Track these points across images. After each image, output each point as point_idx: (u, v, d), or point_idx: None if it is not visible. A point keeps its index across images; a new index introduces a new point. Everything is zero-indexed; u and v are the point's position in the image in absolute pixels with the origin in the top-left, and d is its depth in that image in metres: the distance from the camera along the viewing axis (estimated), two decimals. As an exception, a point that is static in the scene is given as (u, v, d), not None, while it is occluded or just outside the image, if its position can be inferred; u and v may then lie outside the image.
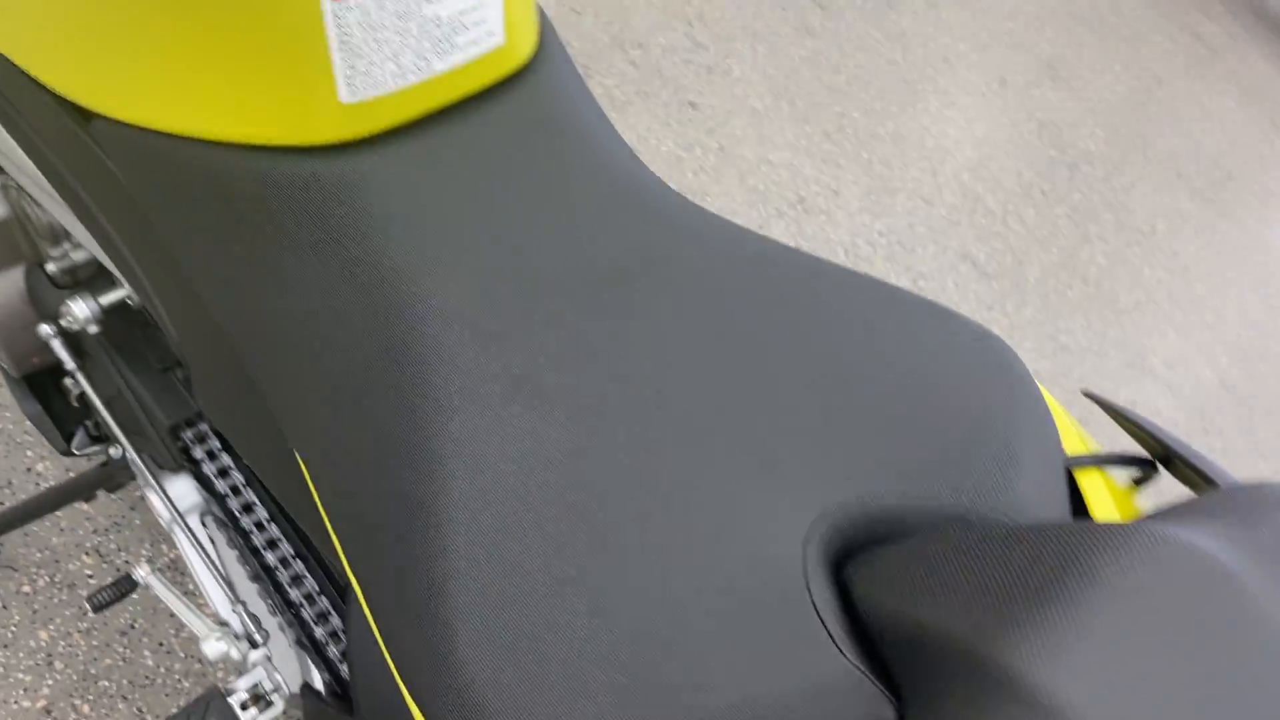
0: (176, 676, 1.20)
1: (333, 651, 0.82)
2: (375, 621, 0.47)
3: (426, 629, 0.43)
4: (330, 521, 0.50)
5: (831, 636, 0.41)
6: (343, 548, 0.49)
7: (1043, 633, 0.35)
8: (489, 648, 0.41)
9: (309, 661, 0.84)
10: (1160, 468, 0.52)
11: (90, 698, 1.15)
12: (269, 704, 0.88)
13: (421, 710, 0.43)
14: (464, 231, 0.50)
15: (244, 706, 0.87)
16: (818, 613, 0.41)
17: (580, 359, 0.47)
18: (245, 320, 0.53)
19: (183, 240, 0.53)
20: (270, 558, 0.82)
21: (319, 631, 0.82)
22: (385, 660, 0.72)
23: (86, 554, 1.24)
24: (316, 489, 0.51)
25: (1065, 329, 2.30)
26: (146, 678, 1.19)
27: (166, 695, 1.19)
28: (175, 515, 0.86)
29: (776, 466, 0.45)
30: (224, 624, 0.89)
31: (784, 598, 0.41)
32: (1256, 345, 2.61)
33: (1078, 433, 0.54)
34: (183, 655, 1.23)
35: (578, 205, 0.53)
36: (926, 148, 2.48)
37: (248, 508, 0.84)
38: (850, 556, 0.46)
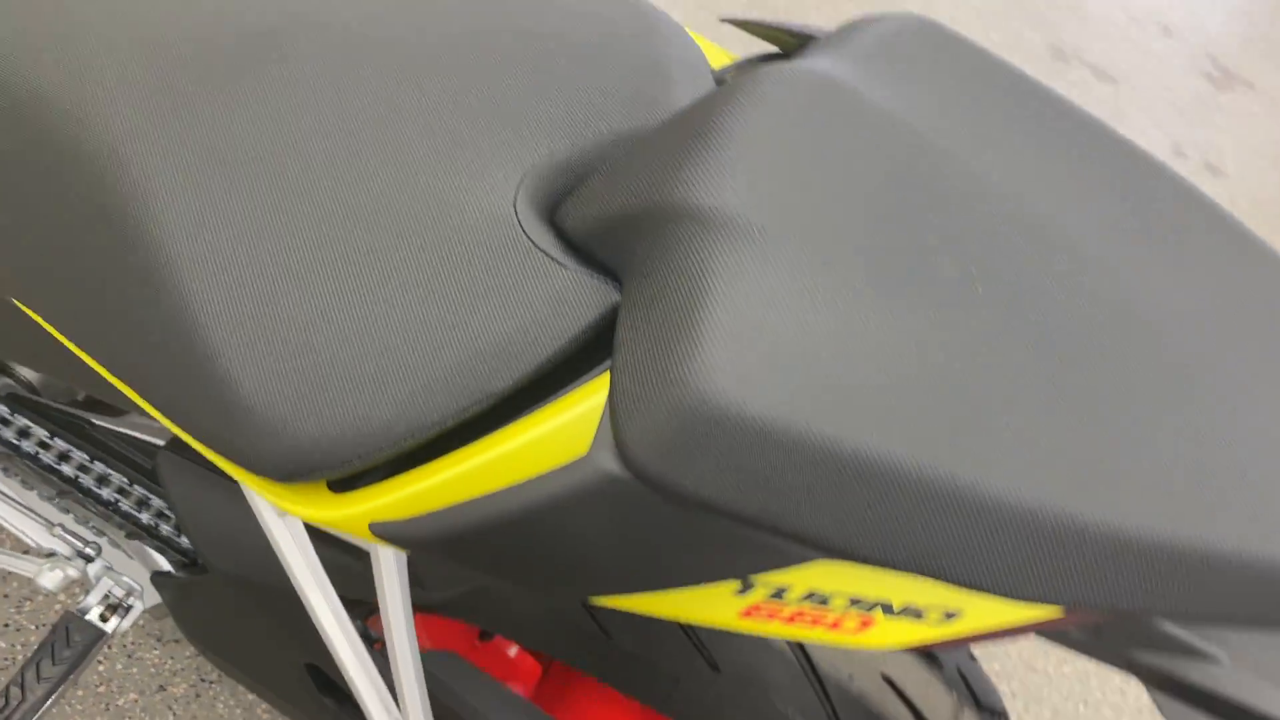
0: (34, 648, 1.18)
1: (167, 529, 0.83)
2: (169, 416, 0.49)
3: (205, 384, 0.46)
4: (88, 354, 0.52)
5: (555, 259, 0.46)
6: (108, 368, 0.51)
7: (694, 163, 0.41)
8: (267, 374, 0.44)
9: (148, 550, 0.85)
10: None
11: (-47, 698, 1.12)
12: (128, 608, 0.90)
13: (241, 463, 0.46)
14: (96, 36, 0.50)
15: (104, 619, 0.88)
16: (538, 247, 0.46)
17: (259, 112, 0.49)
18: None
19: None
20: (68, 470, 0.82)
21: (146, 518, 0.83)
22: (202, 490, 0.74)
23: (-113, 572, 1.18)
24: (57, 328, 0.52)
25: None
26: (4, 659, 1.16)
27: (32, 668, 1.17)
28: (-48, 466, 0.83)
29: (470, 146, 0.49)
30: (51, 554, 0.89)
31: (505, 247, 0.46)
32: None
33: (723, 52, 0.61)
34: (33, 628, 1.20)
35: None
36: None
37: (24, 432, 0.82)
38: (559, 207, 0.51)
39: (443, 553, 0.44)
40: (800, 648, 0.72)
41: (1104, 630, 0.52)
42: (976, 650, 1.35)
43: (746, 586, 0.43)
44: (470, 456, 0.43)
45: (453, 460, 0.44)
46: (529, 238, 0.47)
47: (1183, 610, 0.39)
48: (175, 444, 0.80)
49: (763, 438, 0.36)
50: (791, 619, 0.45)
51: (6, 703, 0.83)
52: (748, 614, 0.45)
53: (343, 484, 0.47)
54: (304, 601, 0.65)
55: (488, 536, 0.43)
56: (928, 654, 0.76)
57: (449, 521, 0.43)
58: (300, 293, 0.44)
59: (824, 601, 0.43)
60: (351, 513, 0.46)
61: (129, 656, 1.21)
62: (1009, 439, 0.37)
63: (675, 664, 0.72)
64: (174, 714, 1.19)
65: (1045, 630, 0.52)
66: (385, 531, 0.44)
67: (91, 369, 0.52)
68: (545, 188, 0.50)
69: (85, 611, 0.87)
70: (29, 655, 1.07)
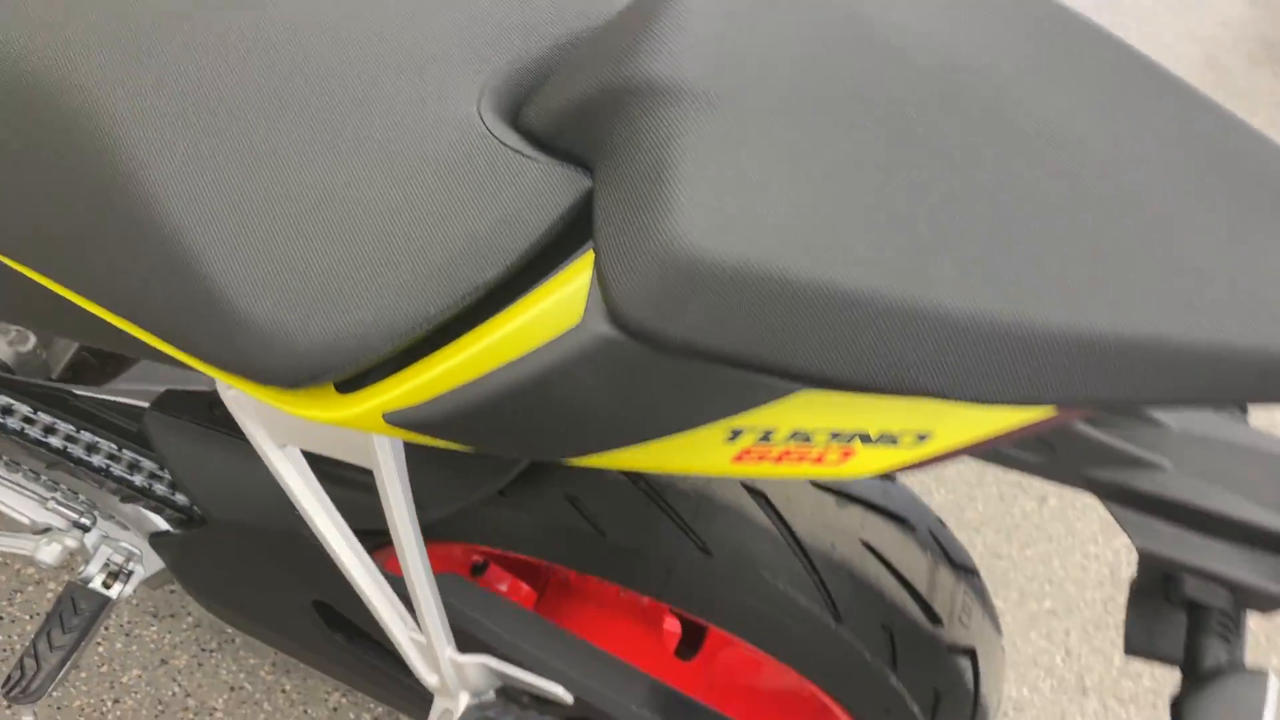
0: (30, 640, 1.20)
1: (161, 489, 0.85)
2: (176, 345, 0.51)
3: (209, 308, 0.48)
4: (86, 299, 0.54)
5: (525, 155, 0.49)
6: (109, 309, 0.53)
7: (645, 43, 0.45)
8: (268, 288, 0.47)
9: (145, 513, 0.87)
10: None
11: (-43, 693, 1.14)
12: (130, 574, 0.92)
13: (251, 377, 0.49)
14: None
15: (107, 586, 0.90)
16: (507, 146, 0.49)
17: (223, 43, 0.51)
18: None
19: None
20: (56, 441, 0.83)
21: (139, 480, 0.84)
22: (193, 443, 0.77)
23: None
24: (53, 278, 0.54)
25: None
26: (2, 649, 1.18)
27: (32, 656, 1.18)
28: (-63, 449, 0.85)
29: (430, 64, 0.52)
30: (46, 529, 0.90)
31: (476, 150, 0.49)
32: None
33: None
34: (27, 618, 1.22)
35: None
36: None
37: (6, 410, 0.83)
38: (521, 111, 0.54)
39: (454, 432, 0.48)
40: (784, 523, 0.76)
41: (1059, 450, 0.57)
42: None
43: (736, 433, 0.48)
44: (472, 342, 0.47)
45: (456, 347, 0.47)
46: (498, 139, 0.50)
47: (1133, 397, 0.43)
48: (160, 403, 0.82)
49: (741, 281, 0.40)
50: (779, 459, 0.49)
51: (23, 673, 0.85)
52: (739, 459, 0.49)
53: (349, 384, 0.50)
54: (310, 525, 0.68)
55: (495, 409, 0.46)
56: (901, 519, 0.81)
57: (459, 400, 0.46)
58: (288, 208, 0.47)
59: (807, 439, 0.48)
60: (364, 408, 0.49)
61: (127, 635, 1.23)
62: (966, 260, 0.41)
63: (667, 552, 0.76)
64: (178, 685, 1.21)
65: (1006, 448, 0.57)
66: (399, 418, 0.48)
67: (90, 314, 0.54)
68: (506, 94, 0.53)
69: (88, 581, 0.89)
70: (35, 634, 1.09)
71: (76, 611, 0.87)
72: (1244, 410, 0.66)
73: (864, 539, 0.79)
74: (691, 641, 1.12)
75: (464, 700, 0.76)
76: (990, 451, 0.57)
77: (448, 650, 0.73)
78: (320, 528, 0.68)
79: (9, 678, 0.86)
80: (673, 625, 1.12)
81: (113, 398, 0.85)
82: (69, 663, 0.87)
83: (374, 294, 0.47)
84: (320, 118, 0.49)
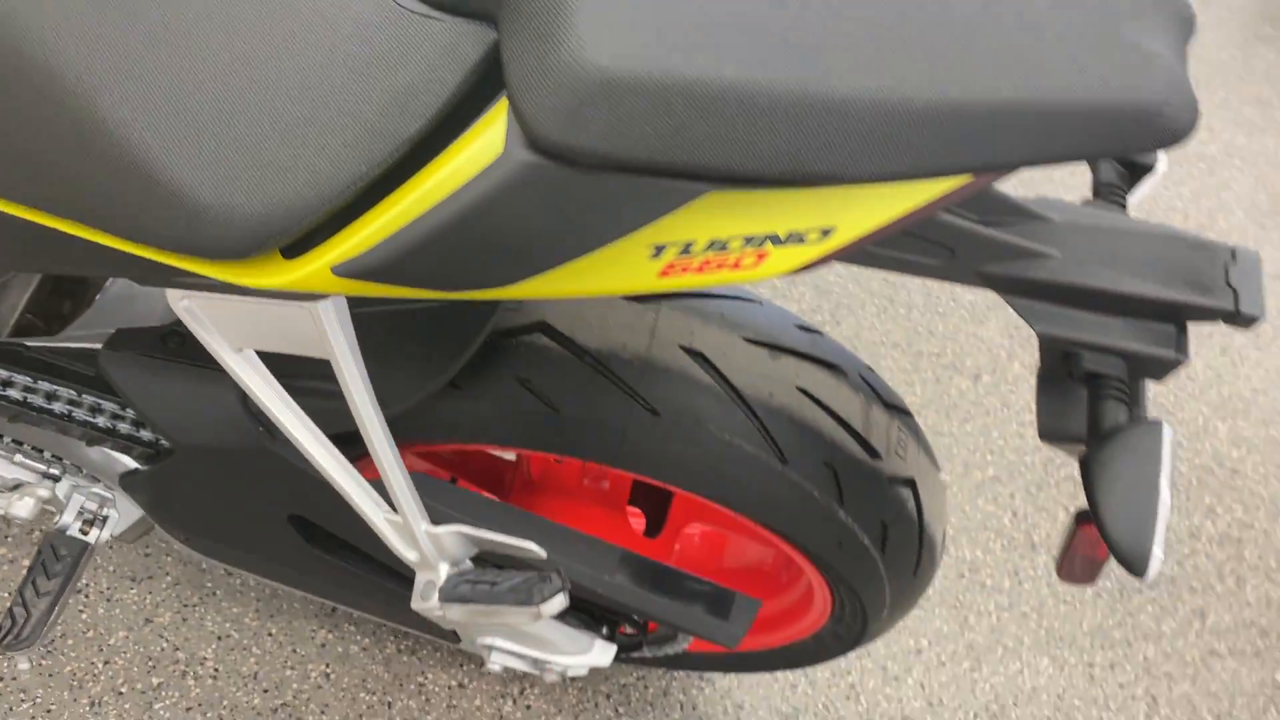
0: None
1: (125, 427, 0.88)
2: (132, 238, 0.54)
3: (160, 198, 0.52)
4: (38, 210, 0.57)
5: (433, 18, 0.53)
6: (63, 215, 0.56)
7: None
8: (211, 169, 0.50)
9: (112, 454, 0.90)
10: None
11: (-54, 673, 1.16)
12: (105, 519, 0.94)
13: (206, 255, 0.52)
14: None
15: (84, 532, 0.93)
16: (415, 12, 0.53)
17: None
18: None
19: None
20: (15, 394, 0.86)
21: (102, 421, 0.87)
22: (150, 374, 0.79)
23: None
24: (24, 203, 0.57)
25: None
26: (-14, 628, 1.19)
27: (16, 631, 1.20)
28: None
29: None
30: (17, 485, 0.93)
31: (388, 19, 0.52)
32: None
33: None
34: (4, 596, 1.23)
35: None
36: None
37: (-39, 369, 0.85)
38: None
39: (399, 274, 0.52)
40: (723, 377, 0.82)
41: (956, 251, 0.63)
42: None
43: (659, 249, 0.52)
44: (407, 192, 0.50)
45: (393, 199, 0.51)
46: (404, 8, 0.53)
47: (1006, 159, 0.48)
48: (112, 343, 0.84)
49: (640, 88, 0.44)
50: (701, 268, 0.53)
51: (14, 622, 0.88)
52: (664, 273, 0.54)
53: (295, 250, 0.54)
54: (275, 422, 0.72)
55: (435, 245, 0.50)
56: (832, 365, 0.87)
57: (400, 242, 0.50)
58: (216, 88, 0.50)
59: (724, 247, 0.52)
60: (312, 268, 0.53)
61: (108, 600, 1.25)
62: (848, 51, 0.46)
63: (618, 418, 0.81)
64: (166, 640, 1.24)
65: (907, 254, 0.62)
66: (346, 268, 0.51)
67: (43, 228, 0.57)
68: None
69: (65, 530, 0.92)
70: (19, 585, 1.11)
71: (58, 558, 0.90)
72: (1124, 205, 0.72)
73: (800, 386, 0.84)
74: (654, 528, 1.18)
75: (444, 570, 0.80)
76: (894, 259, 0.63)
77: (423, 524, 0.77)
78: (284, 423, 0.71)
79: (0, 627, 0.89)
80: (635, 516, 1.18)
81: (67, 344, 0.87)
82: (57, 608, 0.90)
83: (306, 158, 0.50)
84: (235, 4, 0.52)
